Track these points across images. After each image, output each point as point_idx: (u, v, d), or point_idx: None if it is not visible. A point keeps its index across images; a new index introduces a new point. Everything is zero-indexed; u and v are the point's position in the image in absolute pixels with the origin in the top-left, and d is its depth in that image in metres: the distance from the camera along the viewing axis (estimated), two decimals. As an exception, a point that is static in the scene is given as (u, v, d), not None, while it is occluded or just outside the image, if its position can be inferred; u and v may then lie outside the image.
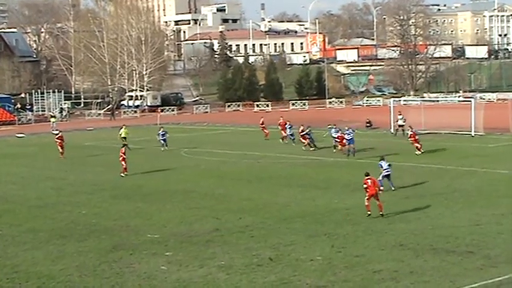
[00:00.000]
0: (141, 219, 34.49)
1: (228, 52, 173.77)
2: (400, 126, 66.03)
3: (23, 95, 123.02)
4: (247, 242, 29.21)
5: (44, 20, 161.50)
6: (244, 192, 40.93)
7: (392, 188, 38.42)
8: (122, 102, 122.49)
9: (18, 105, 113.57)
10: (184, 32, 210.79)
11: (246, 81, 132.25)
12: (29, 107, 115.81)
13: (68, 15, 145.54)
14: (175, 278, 24.64)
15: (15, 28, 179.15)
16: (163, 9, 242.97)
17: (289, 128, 63.71)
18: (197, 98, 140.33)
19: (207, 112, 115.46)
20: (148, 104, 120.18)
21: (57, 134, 62.65)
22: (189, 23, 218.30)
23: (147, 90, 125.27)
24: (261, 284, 23.70)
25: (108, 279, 24.68)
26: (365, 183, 32.78)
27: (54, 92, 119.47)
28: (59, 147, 59.05)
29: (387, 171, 38.54)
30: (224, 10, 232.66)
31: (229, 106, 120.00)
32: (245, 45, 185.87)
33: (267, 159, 55.11)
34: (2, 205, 39.56)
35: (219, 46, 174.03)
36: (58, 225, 33.78)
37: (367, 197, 32.66)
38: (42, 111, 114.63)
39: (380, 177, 37.48)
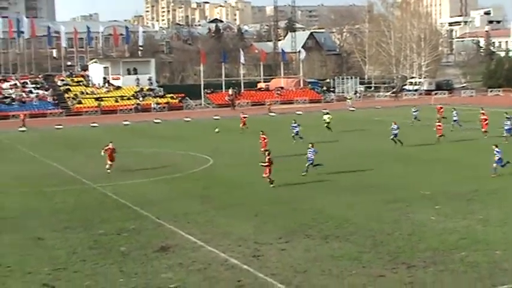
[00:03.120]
0: (414, 179, 34.32)
1: (491, 48, 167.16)
2: None
3: (327, 80, 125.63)
4: (501, 202, 28.21)
5: (346, 22, 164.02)
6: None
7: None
8: (404, 87, 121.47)
9: (324, 88, 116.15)
10: (455, 31, 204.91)
11: (506, 71, 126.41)
12: (332, 89, 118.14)
13: (364, 19, 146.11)
14: (442, 226, 24.35)
15: (323, 29, 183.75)
16: (440, 13, 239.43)
17: None
18: (464, 85, 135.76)
19: (472, 96, 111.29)
20: (425, 88, 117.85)
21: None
22: (460, 24, 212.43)
23: (424, 77, 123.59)
24: (512, 235, 22.91)
25: (388, 224, 24.87)
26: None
27: (351, 78, 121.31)
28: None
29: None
30: (489, 13, 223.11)
31: (491, 91, 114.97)
32: (506, 42, 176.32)
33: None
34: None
35: (485, 43, 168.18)
36: (351, 180, 34.36)
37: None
38: (341, 92, 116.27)
39: None
